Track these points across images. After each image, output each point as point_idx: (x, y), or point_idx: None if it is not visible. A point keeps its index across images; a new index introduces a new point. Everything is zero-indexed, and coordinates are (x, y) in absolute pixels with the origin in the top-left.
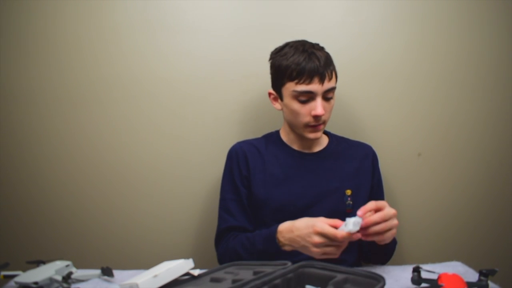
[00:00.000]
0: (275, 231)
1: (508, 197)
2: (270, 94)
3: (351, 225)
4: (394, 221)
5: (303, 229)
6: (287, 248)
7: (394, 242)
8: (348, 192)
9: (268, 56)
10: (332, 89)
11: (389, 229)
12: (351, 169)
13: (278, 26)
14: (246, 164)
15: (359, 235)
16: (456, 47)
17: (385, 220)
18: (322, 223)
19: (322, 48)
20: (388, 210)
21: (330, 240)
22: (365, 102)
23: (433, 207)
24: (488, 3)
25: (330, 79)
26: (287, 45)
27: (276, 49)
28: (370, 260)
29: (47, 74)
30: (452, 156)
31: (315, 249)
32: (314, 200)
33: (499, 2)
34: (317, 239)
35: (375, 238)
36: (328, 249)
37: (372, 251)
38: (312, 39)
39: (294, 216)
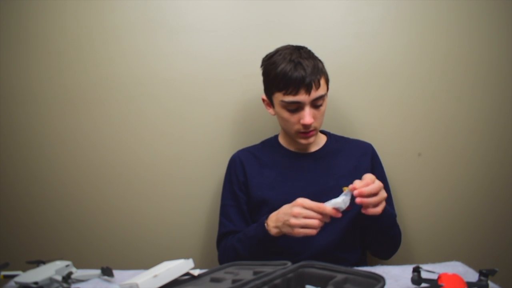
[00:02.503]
0: (265, 218)
1: (508, 197)
2: (263, 100)
3: (340, 200)
4: (383, 194)
5: (286, 207)
6: (273, 231)
7: (395, 224)
8: (346, 189)
9: None
10: (321, 97)
11: (380, 202)
12: (348, 167)
13: (278, 26)
14: (242, 170)
15: (340, 214)
16: (456, 47)
17: (377, 192)
18: (305, 199)
19: (310, 56)
20: (378, 183)
21: (313, 211)
22: (365, 102)
23: (433, 207)
24: (488, 3)
25: (317, 88)
26: (277, 52)
27: (267, 55)
28: (379, 249)
29: (47, 74)
30: (452, 156)
31: (293, 220)
32: (311, 199)
33: (499, 2)
34: (297, 209)
35: (370, 211)
36: (308, 221)
37: (376, 235)
38: (312, 39)
39: None
